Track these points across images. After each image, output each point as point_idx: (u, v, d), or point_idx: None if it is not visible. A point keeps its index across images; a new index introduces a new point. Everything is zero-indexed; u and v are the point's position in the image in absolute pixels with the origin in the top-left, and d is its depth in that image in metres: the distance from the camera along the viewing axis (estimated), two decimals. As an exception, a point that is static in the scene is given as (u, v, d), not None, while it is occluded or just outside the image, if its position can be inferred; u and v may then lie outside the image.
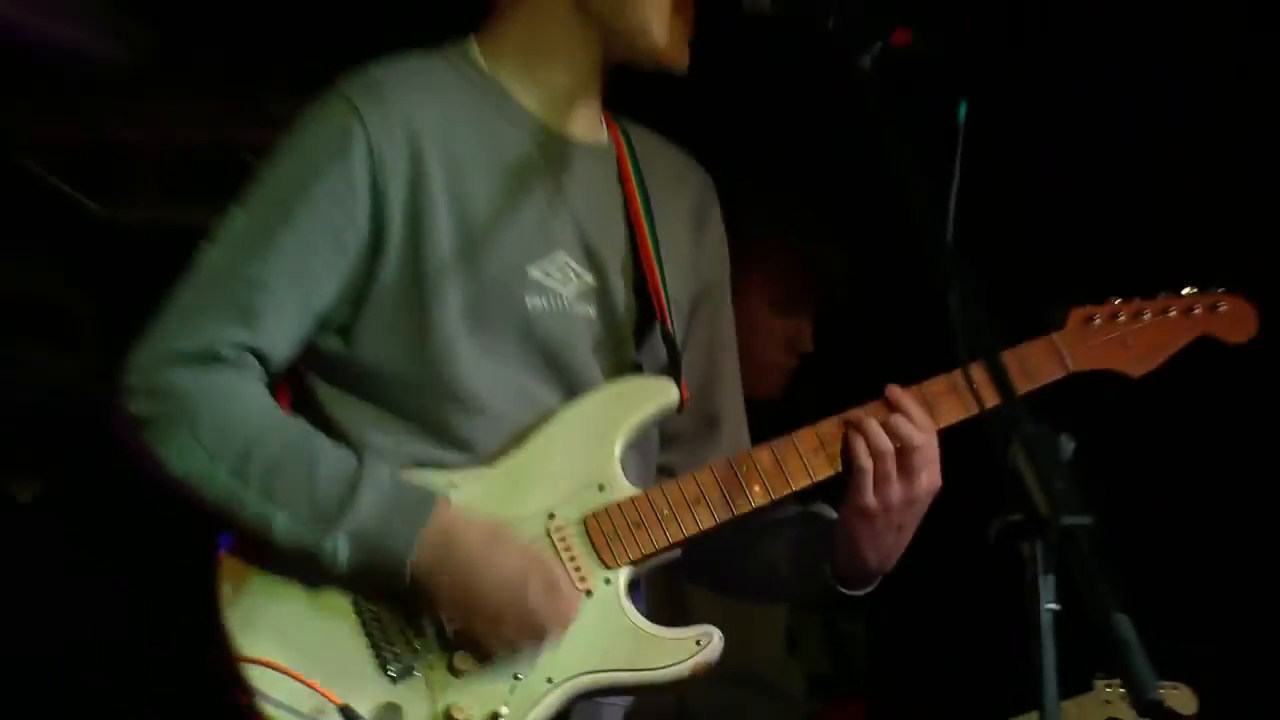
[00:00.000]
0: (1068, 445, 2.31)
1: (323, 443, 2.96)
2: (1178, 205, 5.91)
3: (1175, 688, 4.63)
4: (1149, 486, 5.10)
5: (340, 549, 2.85)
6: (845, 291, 4.95)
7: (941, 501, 3.10)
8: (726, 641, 3.12)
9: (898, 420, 3.02)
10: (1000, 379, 2.39)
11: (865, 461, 3.00)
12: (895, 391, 3.06)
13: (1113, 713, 4.72)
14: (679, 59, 3.12)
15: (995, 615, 2.68)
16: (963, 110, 2.63)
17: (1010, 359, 2.89)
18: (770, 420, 3.91)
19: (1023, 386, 3.02)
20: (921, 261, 2.48)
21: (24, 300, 6.88)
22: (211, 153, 6.60)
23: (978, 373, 2.69)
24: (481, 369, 3.06)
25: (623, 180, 3.28)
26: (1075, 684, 4.63)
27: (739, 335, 4.26)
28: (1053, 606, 2.19)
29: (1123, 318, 3.32)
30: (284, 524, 2.88)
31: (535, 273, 3.11)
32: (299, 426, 3.00)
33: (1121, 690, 4.63)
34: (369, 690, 2.91)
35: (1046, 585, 2.21)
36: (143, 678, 6.16)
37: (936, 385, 3.11)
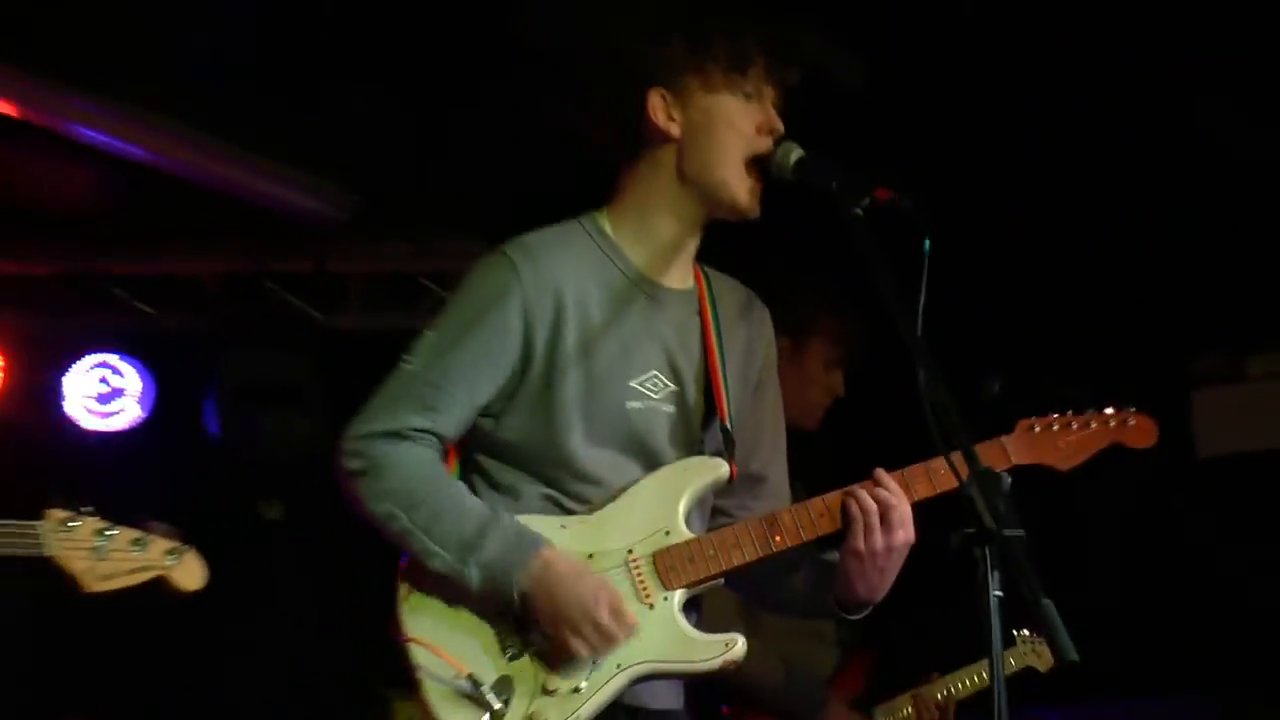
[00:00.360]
0: (1006, 481, 2.70)
1: (469, 499, 3.31)
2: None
3: (1039, 643, 5.17)
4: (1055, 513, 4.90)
5: (474, 576, 3.21)
6: (864, 356, 5.17)
7: (920, 523, 3.28)
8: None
9: (880, 490, 3.27)
10: (959, 445, 2.74)
11: (857, 515, 3.26)
12: (879, 472, 3.31)
13: (1029, 661, 5.15)
14: (752, 209, 3.39)
15: (958, 598, 2.72)
16: (927, 244, 2.99)
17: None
18: (809, 444, 4.68)
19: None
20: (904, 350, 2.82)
21: (271, 382, 7.58)
22: (397, 279, 7.38)
23: (941, 464, 3.18)
24: (589, 449, 3.38)
25: (701, 314, 3.55)
26: (1006, 641, 4.85)
27: (803, 386, 5.02)
28: (998, 593, 2.59)
29: (1056, 428, 3.58)
30: (439, 557, 3.22)
31: (634, 384, 3.42)
32: (455, 487, 3.34)
33: (1034, 643, 5.17)
34: (491, 666, 3.24)
35: (993, 579, 2.59)
36: (352, 652, 6.80)
37: (914, 469, 3.35)
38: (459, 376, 3.28)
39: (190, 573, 2.99)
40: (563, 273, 3.34)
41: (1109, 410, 3.62)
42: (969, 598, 2.60)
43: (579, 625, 3.14)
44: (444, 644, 3.21)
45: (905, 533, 3.27)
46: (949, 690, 5.09)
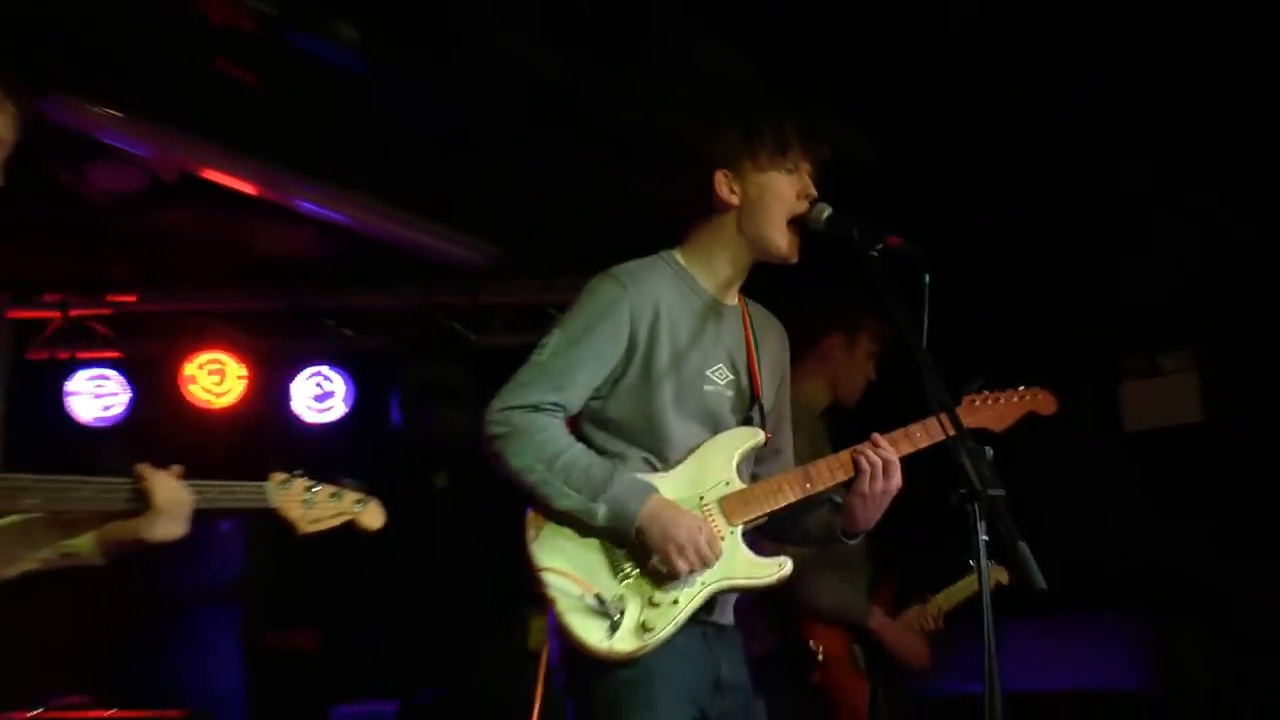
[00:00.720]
0: (988, 452, 2.74)
1: (594, 456, 3.26)
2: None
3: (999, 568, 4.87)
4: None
5: (601, 513, 3.16)
6: (891, 350, 5.04)
7: (926, 486, 3.26)
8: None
9: (880, 449, 3.36)
10: (955, 427, 2.79)
11: (865, 467, 3.34)
12: (876, 435, 3.39)
13: (997, 576, 4.72)
14: (792, 256, 3.43)
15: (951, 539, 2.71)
16: (927, 277, 3.06)
17: (933, 422, 3.38)
18: (850, 416, 4.95)
19: (937, 435, 3.35)
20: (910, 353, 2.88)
21: (438, 385, 7.48)
22: (529, 308, 7.39)
23: (923, 427, 3.40)
24: (676, 421, 3.36)
25: (743, 326, 3.56)
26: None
27: (852, 371, 4.99)
28: (984, 538, 2.65)
29: (990, 401, 3.63)
30: (571, 501, 3.17)
31: (707, 373, 3.42)
32: (580, 446, 3.26)
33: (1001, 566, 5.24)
34: (608, 586, 3.19)
35: (980, 527, 2.65)
36: (498, 581, 6.36)
37: (898, 433, 3.41)
38: (580, 365, 3.25)
39: (373, 516, 3.00)
40: (656, 291, 3.37)
41: (1022, 388, 3.66)
42: (954, 540, 2.66)
43: (684, 549, 3.14)
44: (569, 570, 3.17)
45: (897, 480, 3.35)
46: (940, 605, 5.03)
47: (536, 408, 3.20)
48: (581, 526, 3.20)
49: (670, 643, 3.16)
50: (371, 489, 3.07)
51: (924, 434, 3.42)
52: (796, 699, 4.52)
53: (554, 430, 3.22)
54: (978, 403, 3.61)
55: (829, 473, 3.38)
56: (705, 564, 3.19)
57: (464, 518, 7.40)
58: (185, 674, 7.30)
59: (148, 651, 7.52)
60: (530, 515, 3.22)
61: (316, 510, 2.89)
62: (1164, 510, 6.00)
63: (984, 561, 2.66)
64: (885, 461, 3.33)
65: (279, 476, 2.85)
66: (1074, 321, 6.39)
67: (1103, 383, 6.55)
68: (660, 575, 3.19)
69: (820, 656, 4.61)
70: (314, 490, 2.89)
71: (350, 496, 2.96)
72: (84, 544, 2.70)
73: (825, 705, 4.60)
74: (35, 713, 5.43)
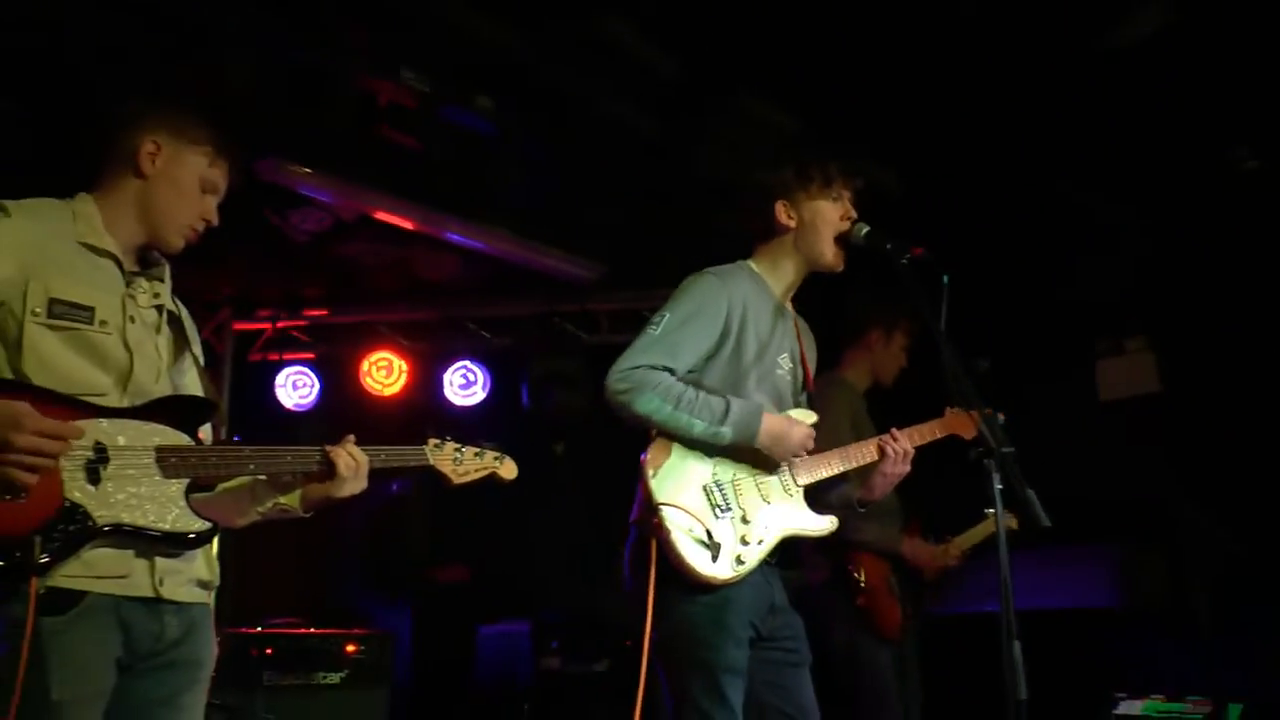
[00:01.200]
0: (1000, 417, 2.80)
1: (706, 393, 3.19)
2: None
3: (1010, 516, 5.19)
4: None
5: (727, 433, 3.16)
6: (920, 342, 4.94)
7: (950, 445, 3.35)
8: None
9: (901, 441, 3.41)
10: (981, 414, 2.82)
11: (890, 453, 3.38)
12: (894, 430, 3.44)
13: (1008, 524, 4.96)
14: (838, 267, 3.42)
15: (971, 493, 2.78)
16: (945, 280, 3.01)
17: (933, 424, 3.51)
18: (885, 397, 4.91)
19: (937, 435, 3.51)
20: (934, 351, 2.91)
21: (558, 375, 7.40)
22: (628, 312, 7.30)
23: (929, 427, 3.48)
24: (755, 396, 3.31)
25: (795, 329, 3.53)
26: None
27: (890, 360, 4.91)
28: (999, 486, 2.67)
29: (958, 415, 3.54)
30: (701, 426, 3.14)
31: (778, 359, 3.42)
32: (693, 389, 3.17)
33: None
34: (712, 524, 3.14)
35: (995, 478, 2.67)
36: (608, 529, 6.98)
37: (911, 430, 3.47)
38: (687, 340, 3.23)
39: (509, 469, 2.98)
40: (743, 289, 3.36)
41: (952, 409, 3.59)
42: (971, 492, 2.71)
43: (805, 444, 3.25)
44: (682, 506, 3.13)
45: (908, 466, 3.42)
46: (960, 545, 4.92)
47: (652, 367, 3.16)
48: (702, 455, 3.19)
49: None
50: (506, 453, 3.05)
51: (930, 432, 3.50)
52: (846, 617, 4.53)
53: (670, 379, 3.18)
54: (956, 416, 3.56)
55: (860, 455, 3.41)
56: (809, 449, 3.29)
57: (578, 478, 7.37)
58: (369, 602, 7.35)
59: (342, 584, 7.62)
60: (647, 459, 3.16)
61: (464, 466, 2.89)
62: (1132, 461, 5.93)
63: (1000, 505, 2.63)
64: (905, 451, 3.39)
65: (433, 440, 2.87)
66: (1058, 313, 6.31)
67: (1080, 361, 6.47)
68: (754, 514, 3.19)
69: (863, 583, 4.57)
70: (461, 450, 2.90)
71: (490, 454, 2.96)
72: (292, 500, 2.76)
73: (869, 623, 4.56)
74: (256, 630, 5.46)
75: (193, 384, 2.68)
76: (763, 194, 3.46)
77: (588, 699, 5.98)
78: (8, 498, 2.18)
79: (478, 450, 2.93)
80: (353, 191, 5.94)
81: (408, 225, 6.29)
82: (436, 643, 7.13)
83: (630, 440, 3.28)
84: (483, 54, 4.78)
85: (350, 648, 5.57)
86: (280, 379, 7.71)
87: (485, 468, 2.94)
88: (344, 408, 7.67)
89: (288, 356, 7.84)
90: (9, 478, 2.16)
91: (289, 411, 7.64)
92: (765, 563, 3.25)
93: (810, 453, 3.37)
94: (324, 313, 7.84)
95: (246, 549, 7.03)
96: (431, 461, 2.85)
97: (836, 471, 3.39)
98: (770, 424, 3.21)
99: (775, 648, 3.24)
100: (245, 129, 4.87)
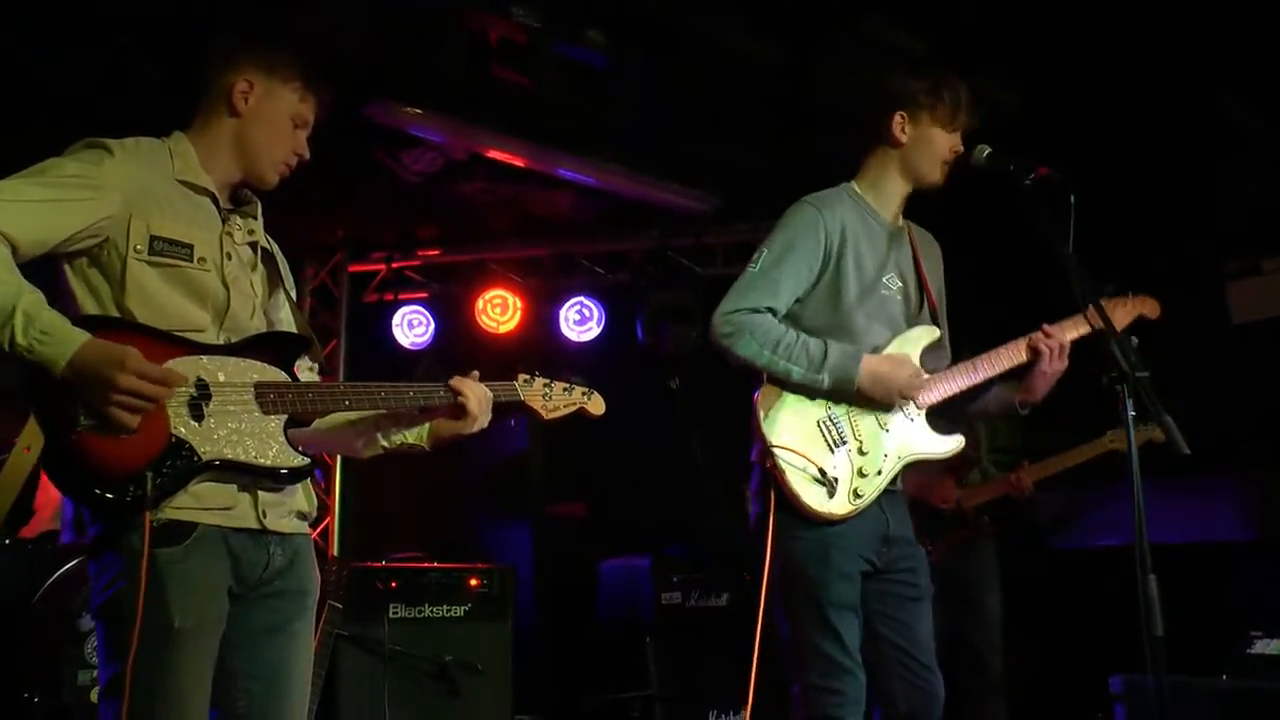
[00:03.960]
0: (1134, 341, 2.76)
1: (807, 336, 3.17)
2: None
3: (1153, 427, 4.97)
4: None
5: (825, 379, 3.14)
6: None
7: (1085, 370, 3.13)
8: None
9: (1054, 336, 3.26)
10: (1103, 319, 2.81)
11: (1044, 350, 3.25)
12: (1047, 327, 3.29)
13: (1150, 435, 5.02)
14: (941, 183, 3.36)
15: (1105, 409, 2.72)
16: (1073, 199, 2.91)
17: (1069, 324, 3.30)
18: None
19: (1072, 333, 3.30)
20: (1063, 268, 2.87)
21: (673, 308, 7.38)
22: (741, 245, 7.22)
23: (1080, 319, 3.26)
24: (864, 321, 3.29)
25: (909, 244, 3.46)
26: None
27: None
28: (1132, 413, 2.62)
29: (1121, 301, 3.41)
30: (798, 372, 3.14)
31: (884, 280, 3.36)
32: (795, 331, 3.18)
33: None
34: (827, 461, 3.15)
35: (1128, 403, 2.62)
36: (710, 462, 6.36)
37: (1064, 323, 3.29)
38: (786, 275, 3.22)
39: (596, 404, 2.99)
40: (842, 214, 3.32)
41: (1133, 294, 3.44)
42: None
43: (905, 389, 3.19)
44: (795, 446, 3.14)
45: (1064, 362, 3.27)
46: (1033, 473, 4.93)
47: (755, 309, 3.16)
48: (810, 394, 3.17)
49: None
50: (619, 395, 3.07)
51: (1083, 324, 3.27)
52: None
53: (771, 323, 3.17)
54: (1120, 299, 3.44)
55: (1006, 359, 3.31)
56: (917, 391, 3.22)
57: (693, 411, 7.12)
58: (492, 537, 7.46)
59: (463, 520, 7.73)
60: (758, 399, 3.17)
61: (554, 401, 2.91)
62: (1267, 386, 5.76)
63: (1131, 432, 2.57)
64: (1061, 345, 3.25)
65: (524, 376, 2.89)
66: (1187, 232, 6.13)
67: (1211, 283, 6.27)
68: (870, 446, 3.18)
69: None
70: (551, 386, 2.91)
71: (579, 390, 2.96)
72: (416, 436, 2.81)
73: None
74: (380, 564, 5.56)
75: (287, 320, 2.74)
76: (885, 100, 3.36)
77: (709, 633, 6.01)
78: (118, 435, 2.25)
79: (566, 386, 2.94)
80: (464, 131, 5.98)
81: (519, 163, 6.33)
82: (558, 577, 7.20)
83: (746, 375, 3.25)
84: (593, -13, 4.81)
85: (473, 581, 5.65)
86: (396, 319, 7.84)
87: (574, 403, 2.95)
88: (459, 346, 7.71)
89: (403, 296, 7.94)
90: (112, 417, 2.23)
91: (405, 350, 7.75)
92: (888, 490, 3.24)
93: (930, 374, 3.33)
94: (437, 252, 7.93)
95: (368, 486, 7.34)
96: (522, 397, 2.87)
97: (969, 385, 3.33)
98: (870, 366, 3.18)
99: (892, 580, 3.24)
100: (354, 71, 5.04)
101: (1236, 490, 6.02)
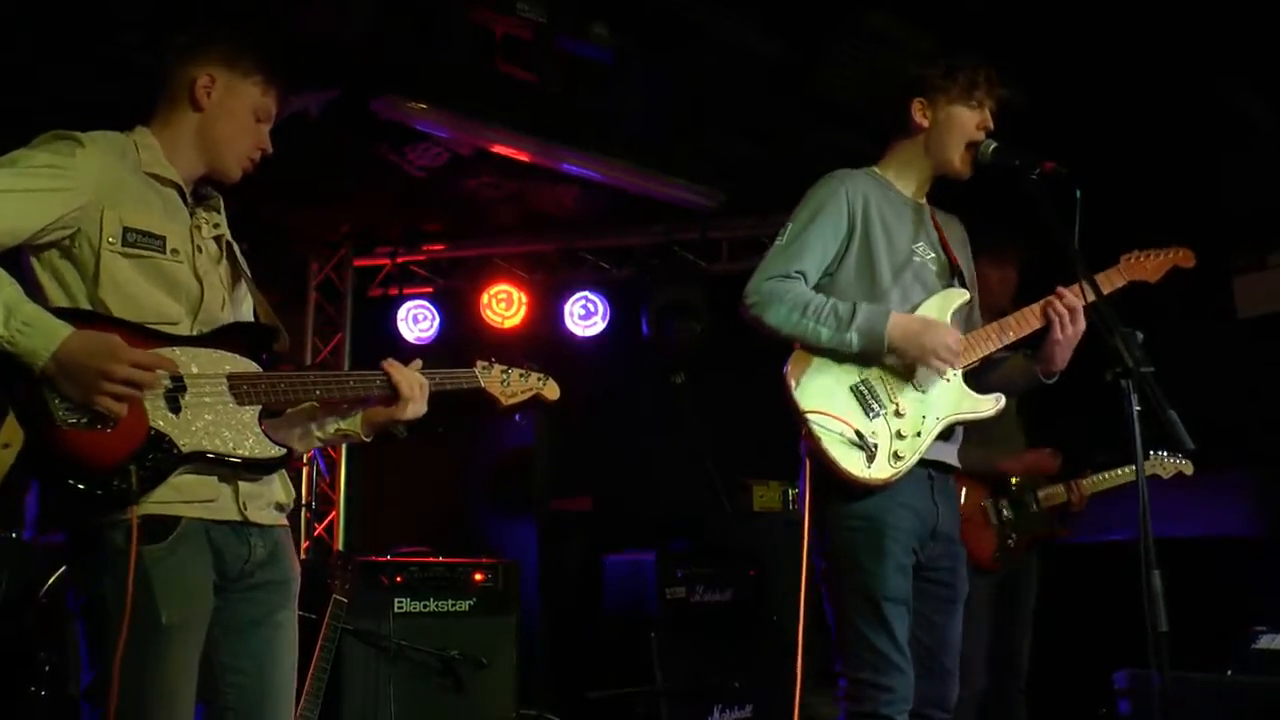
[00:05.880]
0: (1139, 335, 2.68)
1: (836, 299, 3.15)
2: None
3: (1177, 458, 4.80)
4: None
5: (854, 339, 3.11)
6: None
7: (1085, 366, 3.09)
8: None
9: (1067, 298, 3.19)
10: (1118, 332, 2.69)
11: (1056, 314, 3.20)
12: (1061, 289, 3.21)
13: (1155, 470, 4.77)
14: (965, 174, 3.34)
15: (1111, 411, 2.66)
16: (1078, 194, 2.92)
17: (1103, 277, 3.28)
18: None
19: (1107, 287, 3.27)
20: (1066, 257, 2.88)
21: (678, 303, 7.36)
22: (748, 239, 7.30)
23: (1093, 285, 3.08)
24: (893, 286, 3.26)
25: (932, 219, 3.44)
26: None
27: (1005, 284, 4.80)
28: (1137, 408, 2.58)
29: (1144, 258, 3.36)
30: (827, 334, 3.11)
31: (917, 250, 3.34)
32: (823, 296, 3.15)
33: (1161, 460, 4.78)
34: (864, 424, 3.10)
35: (1132, 398, 2.59)
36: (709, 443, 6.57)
37: (1075, 286, 3.16)
38: (813, 243, 3.20)
39: (552, 390, 3.01)
40: (864, 186, 3.30)
41: (1169, 248, 3.45)
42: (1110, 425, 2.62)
43: (938, 349, 3.12)
44: (830, 410, 3.09)
45: (1082, 324, 3.20)
46: (1093, 483, 4.78)
47: (785, 275, 3.15)
48: (840, 359, 3.14)
49: (900, 496, 3.11)
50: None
51: (1094, 290, 3.12)
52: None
53: (801, 287, 3.16)
54: (1134, 260, 3.38)
55: (1024, 323, 3.27)
56: (955, 360, 3.16)
57: (697, 406, 7.22)
58: (497, 532, 7.43)
59: (468, 515, 7.72)
60: (788, 369, 3.15)
61: (512, 387, 2.92)
62: (1271, 382, 5.75)
63: (1138, 428, 2.57)
64: (1072, 309, 3.18)
65: (482, 363, 2.89)
66: (1192, 226, 5.88)
67: (1218, 276, 6.24)
68: (907, 405, 3.14)
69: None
70: (508, 372, 2.92)
71: (534, 376, 2.97)
72: (352, 425, 2.80)
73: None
74: (385, 559, 5.57)
75: (249, 313, 2.74)
76: (902, 87, 3.37)
77: (714, 628, 6.03)
78: (99, 428, 2.25)
79: (522, 372, 2.95)
80: (469, 126, 5.98)
81: (524, 158, 6.33)
82: (563, 571, 7.21)
83: (751, 370, 3.23)
84: (597, -18, 4.81)
85: (478, 576, 5.65)
86: (401, 313, 7.87)
87: (531, 389, 2.97)
88: (464, 340, 7.72)
89: (408, 291, 7.97)
90: (104, 407, 2.23)
91: (410, 345, 7.76)
92: (933, 469, 3.22)
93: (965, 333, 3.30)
94: (442, 247, 7.96)
95: (373, 481, 7.36)
96: (482, 384, 2.89)
97: (995, 348, 3.29)
98: (900, 323, 3.14)
99: (931, 580, 3.21)
100: (359, 66, 5.04)
101: (1241, 485, 5.99)
